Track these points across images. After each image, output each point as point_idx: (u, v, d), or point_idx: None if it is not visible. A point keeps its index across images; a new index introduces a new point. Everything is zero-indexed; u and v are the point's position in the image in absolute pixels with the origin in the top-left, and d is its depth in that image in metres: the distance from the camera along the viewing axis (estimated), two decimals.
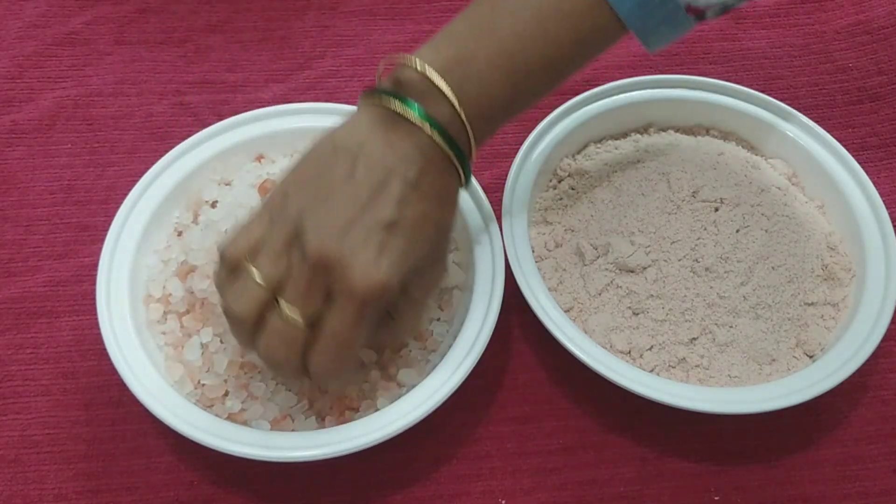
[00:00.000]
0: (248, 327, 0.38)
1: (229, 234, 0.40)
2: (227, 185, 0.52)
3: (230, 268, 0.39)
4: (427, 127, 0.39)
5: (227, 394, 0.44)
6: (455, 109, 0.39)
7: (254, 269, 0.37)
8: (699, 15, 0.42)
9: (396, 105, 0.39)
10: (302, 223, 0.37)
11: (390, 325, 0.42)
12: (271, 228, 0.38)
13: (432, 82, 0.39)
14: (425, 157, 0.39)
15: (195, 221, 0.50)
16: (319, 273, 0.37)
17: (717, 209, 0.49)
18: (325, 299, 0.37)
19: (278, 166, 0.52)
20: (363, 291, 0.37)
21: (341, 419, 0.44)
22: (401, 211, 0.38)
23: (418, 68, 0.39)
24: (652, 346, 0.47)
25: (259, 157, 0.53)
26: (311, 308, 0.37)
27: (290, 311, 0.37)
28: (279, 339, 0.38)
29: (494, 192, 0.51)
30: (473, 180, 0.50)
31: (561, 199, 0.53)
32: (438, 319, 0.48)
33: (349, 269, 0.36)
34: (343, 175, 0.38)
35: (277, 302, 0.37)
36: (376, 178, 0.38)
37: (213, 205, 0.51)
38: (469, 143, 0.40)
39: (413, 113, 0.38)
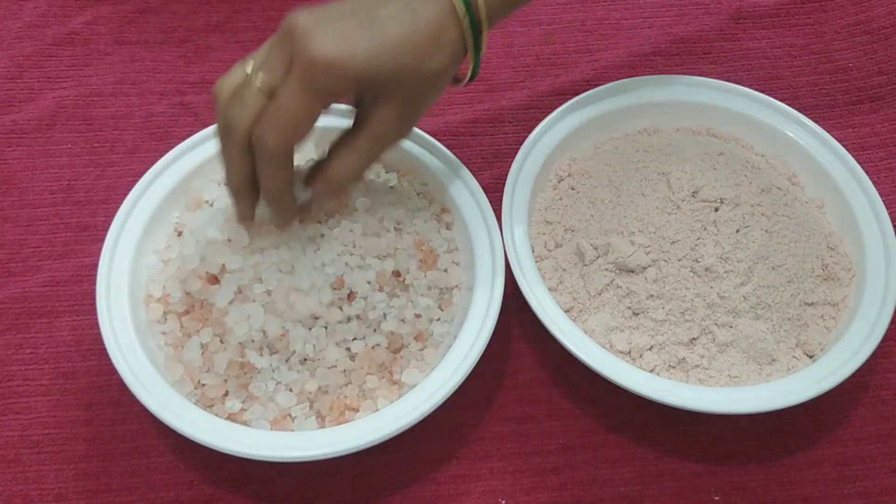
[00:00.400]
0: (221, 103, 0.40)
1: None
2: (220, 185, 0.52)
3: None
4: None
5: (227, 394, 0.44)
6: None
7: (248, 60, 0.40)
8: None
9: None
10: (296, 22, 0.39)
11: (342, 145, 0.42)
12: (277, 34, 0.40)
13: None
14: (442, 8, 0.40)
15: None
16: (285, 40, 0.38)
17: (717, 209, 0.49)
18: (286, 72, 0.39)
19: None
20: (310, 59, 0.37)
21: (341, 419, 0.44)
22: (386, 18, 0.39)
23: None
24: (652, 346, 0.47)
25: None
26: (271, 72, 0.39)
27: (252, 73, 0.39)
28: (236, 98, 0.39)
29: (494, 192, 0.51)
30: (473, 180, 0.51)
31: (561, 199, 0.53)
32: (438, 319, 0.48)
33: (307, 38, 0.37)
34: None
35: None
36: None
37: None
38: (479, 13, 0.40)
39: None
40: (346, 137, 0.42)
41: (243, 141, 0.40)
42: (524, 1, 0.44)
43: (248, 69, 0.40)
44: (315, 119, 0.39)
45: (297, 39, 0.38)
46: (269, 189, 0.42)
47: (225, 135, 0.40)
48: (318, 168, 0.43)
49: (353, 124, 0.42)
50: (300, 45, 0.38)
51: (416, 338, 0.47)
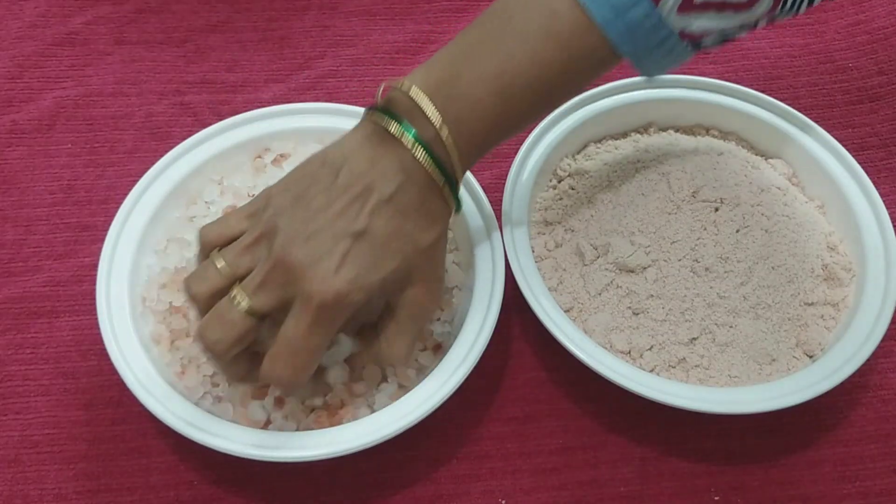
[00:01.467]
0: (201, 309, 0.39)
1: (211, 222, 0.42)
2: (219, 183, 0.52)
3: (204, 253, 0.41)
4: (409, 143, 0.39)
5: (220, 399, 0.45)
6: (434, 130, 0.39)
7: (219, 257, 0.39)
8: (695, 42, 0.40)
9: (384, 121, 0.39)
10: (275, 224, 0.38)
11: (374, 345, 0.42)
12: (247, 224, 0.40)
13: (416, 101, 0.39)
14: (407, 174, 0.39)
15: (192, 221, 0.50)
16: (279, 273, 0.38)
17: (717, 209, 0.49)
18: (283, 305, 0.38)
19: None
20: (319, 299, 0.37)
21: (335, 419, 0.44)
22: (371, 222, 0.38)
23: (404, 88, 0.39)
24: (652, 346, 0.47)
25: (257, 156, 0.53)
26: (261, 303, 0.38)
27: (239, 296, 0.38)
28: (218, 319, 0.38)
29: (494, 192, 0.51)
30: (473, 180, 0.51)
31: (561, 199, 0.53)
32: (439, 319, 0.48)
33: (308, 275, 0.37)
34: (324, 185, 0.39)
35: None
36: (354, 191, 0.39)
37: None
38: (452, 164, 0.40)
39: (398, 128, 0.39)
40: (387, 321, 0.42)
41: (230, 355, 0.39)
42: (493, 146, 0.42)
43: (219, 266, 0.39)
44: (327, 346, 0.39)
45: (294, 276, 0.37)
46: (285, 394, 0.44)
47: (211, 352, 0.39)
48: (367, 353, 0.44)
49: (387, 307, 0.42)
50: (301, 288, 0.37)
51: (396, 371, 0.46)
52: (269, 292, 0.38)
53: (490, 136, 0.41)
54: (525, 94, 0.40)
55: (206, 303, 0.39)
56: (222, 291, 0.39)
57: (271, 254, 0.38)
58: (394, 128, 0.39)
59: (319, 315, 0.37)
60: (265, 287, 0.38)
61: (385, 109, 0.40)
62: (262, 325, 0.39)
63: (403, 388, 0.45)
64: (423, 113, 0.39)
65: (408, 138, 0.39)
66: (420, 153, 0.39)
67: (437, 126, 0.39)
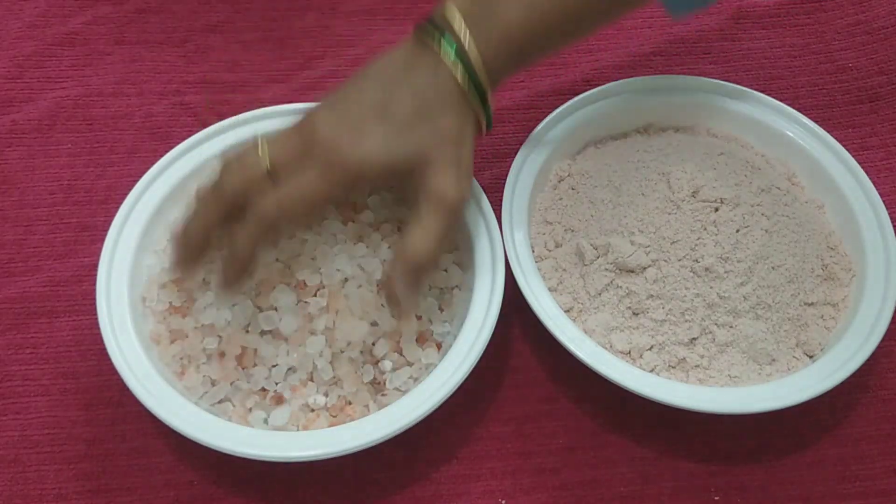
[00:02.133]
0: (222, 164, 0.42)
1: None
2: None
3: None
4: (441, 50, 0.42)
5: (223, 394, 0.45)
6: (464, 42, 0.42)
7: (262, 143, 0.42)
8: None
9: (421, 32, 0.43)
10: (316, 115, 0.42)
11: (410, 225, 0.43)
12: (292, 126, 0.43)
13: (448, 17, 0.42)
14: (436, 74, 0.42)
15: None
16: (307, 139, 0.41)
17: (717, 209, 0.49)
18: (299, 164, 0.41)
19: None
20: (343, 162, 0.40)
21: (339, 417, 0.44)
22: (394, 100, 0.42)
23: (444, 5, 0.43)
24: (652, 346, 0.47)
25: None
26: (284, 159, 0.41)
27: (264, 150, 0.41)
28: (238, 161, 0.41)
29: (494, 192, 0.51)
30: (473, 180, 0.50)
31: (561, 199, 0.53)
32: (441, 319, 0.48)
33: (334, 139, 0.41)
34: (361, 84, 0.43)
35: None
36: (383, 79, 0.43)
37: None
38: (479, 76, 0.42)
39: (431, 38, 0.42)
40: (412, 215, 0.43)
41: (230, 199, 0.41)
42: (530, 61, 0.45)
43: (261, 154, 0.41)
44: (322, 205, 0.42)
45: (321, 148, 0.41)
46: (238, 249, 0.42)
47: (214, 189, 0.42)
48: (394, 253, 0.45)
49: (413, 208, 0.43)
50: (326, 153, 0.41)
51: (416, 339, 0.47)
52: (289, 147, 0.41)
53: (520, 53, 0.44)
54: (555, 19, 0.44)
55: (229, 161, 0.42)
56: (256, 166, 0.41)
57: (306, 127, 0.42)
58: (428, 37, 0.42)
59: (336, 170, 0.41)
60: (286, 143, 0.41)
61: (422, 24, 0.43)
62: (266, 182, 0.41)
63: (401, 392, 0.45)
64: (453, 27, 0.42)
65: (438, 46, 0.42)
66: (449, 59, 0.42)
67: (464, 40, 0.42)
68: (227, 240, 0.42)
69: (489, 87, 0.43)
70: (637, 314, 0.48)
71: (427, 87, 0.42)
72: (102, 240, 0.48)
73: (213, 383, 0.45)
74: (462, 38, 0.42)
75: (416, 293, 0.44)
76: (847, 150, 0.54)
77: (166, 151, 0.51)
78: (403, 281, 0.42)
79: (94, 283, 0.46)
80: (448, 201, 0.42)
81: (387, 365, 0.45)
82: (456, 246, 0.50)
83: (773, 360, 0.47)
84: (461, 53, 0.42)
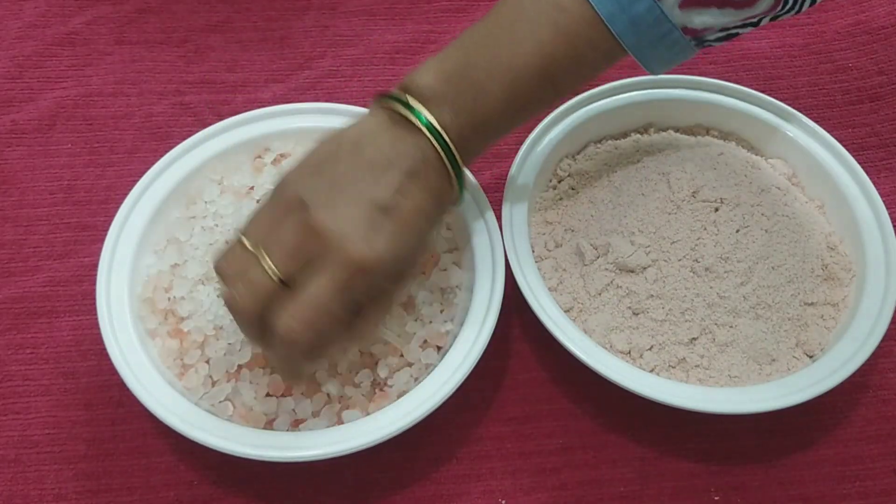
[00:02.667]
0: (227, 283, 0.39)
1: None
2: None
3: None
4: (426, 130, 0.40)
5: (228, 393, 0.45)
6: (449, 117, 0.40)
7: (243, 237, 0.39)
8: (698, 38, 0.42)
9: (400, 108, 0.40)
10: (299, 196, 0.39)
11: (356, 319, 0.41)
12: (271, 203, 0.40)
13: (427, 92, 0.40)
14: (424, 156, 0.40)
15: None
16: (311, 239, 0.38)
17: (717, 209, 0.49)
18: (308, 268, 0.38)
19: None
20: (357, 262, 0.37)
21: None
22: (397, 199, 0.39)
23: (418, 78, 0.41)
24: (652, 346, 0.47)
25: (257, 156, 0.53)
26: (292, 267, 0.38)
27: (269, 263, 0.38)
28: (249, 287, 0.38)
29: (494, 192, 0.51)
30: (473, 180, 0.51)
31: (561, 199, 0.53)
32: (441, 319, 0.48)
33: (346, 240, 0.37)
34: (346, 159, 0.40)
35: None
36: (378, 166, 0.39)
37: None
38: (460, 153, 0.41)
39: (414, 116, 0.40)
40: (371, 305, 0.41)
41: (253, 318, 0.39)
42: (500, 135, 0.44)
43: (249, 244, 0.39)
44: (348, 310, 0.39)
45: (330, 242, 0.37)
46: (285, 368, 0.43)
47: (234, 313, 0.40)
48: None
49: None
50: (338, 251, 0.37)
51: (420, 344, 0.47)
52: (299, 257, 0.38)
53: (498, 125, 0.43)
54: (534, 87, 0.42)
55: (233, 275, 0.39)
56: (249, 264, 0.38)
57: (307, 221, 0.38)
58: (412, 118, 0.40)
59: (352, 278, 0.38)
60: (296, 252, 0.38)
61: (398, 97, 0.41)
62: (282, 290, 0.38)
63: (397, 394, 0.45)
64: (435, 102, 0.40)
65: (422, 124, 0.40)
66: (434, 139, 0.40)
67: (447, 117, 0.40)
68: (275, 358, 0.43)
69: (467, 165, 0.42)
70: (637, 314, 0.48)
71: (421, 172, 0.40)
72: (102, 240, 0.48)
73: (214, 383, 0.45)
74: (446, 117, 0.40)
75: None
76: (847, 150, 0.54)
77: (166, 151, 0.51)
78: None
79: (94, 283, 0.46)
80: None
81: (385, 369, 0.45)
82: (456, 246, 0.50)
83: (773, 360, 0.47)
84: (443, 133, 0.40)
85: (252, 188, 0.51)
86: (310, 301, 0.37)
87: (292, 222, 0.38)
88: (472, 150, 0.42)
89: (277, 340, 0.38)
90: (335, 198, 0.38)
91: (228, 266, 0.39)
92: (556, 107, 0.54)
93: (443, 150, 0.40)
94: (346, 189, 0.39)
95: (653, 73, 0.44)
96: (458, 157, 0.41)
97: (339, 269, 0.37)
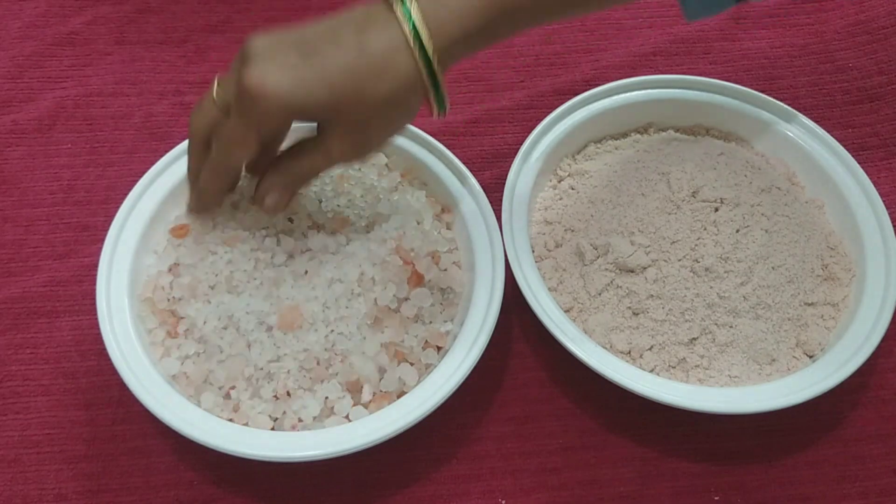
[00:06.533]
0: (193, 133, 0.44)
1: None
2: None
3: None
4: (398, 7, 0.39)
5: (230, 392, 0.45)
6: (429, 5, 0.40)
7: (215, 83, 0.43)
8: None
9: None
10: (249, 40, 0.41)
11: (299, 148, 0.43)
12: None
13: None
14: (386, 29, 0.40)
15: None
16: (236, 60, 0.41)
17: (717, 209, 0.49)
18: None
19: None
20: (246, 87, 0.39)
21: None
22: (329, 47, 0.39)
23: None
24: (652, 346, 0.47)
25: None
26: (224, 89, 0.42)
27: (214, 87, 0.43)
28: (197, 108, 0.44)
29: (494, 192, 0.51)
30: (473, 180, 0.51)
31: (561, 199, 0.53)
32: (441, 319, 0.48)
33: (247, 67, 0.39)
34: (308, 24, 0.41)
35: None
36: (329, 24, 0.40)
37: None
38: (433, 49, 0.40)
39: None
40: (305, 143, 0.43)
41: (200, 142, 0.44)
42: (486, 43, 0.42)
43: (215, 83, 0.43)
44: (254, 143, 0.41)
45: (240, 65, 0.40)
46: (203, 188, 0.45)
47: (190, 134, 0.44)
48: (271, 163, 0.45)
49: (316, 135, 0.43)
50: (239, 72, 0.39)
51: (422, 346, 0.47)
52: (230, 78, 0.41)
53: (477, 21, 0.41)
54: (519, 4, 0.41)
55: (199, 129, 0.43)
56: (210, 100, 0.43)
57: (239, 65, 0.40)
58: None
59: (245, 105, 0.39)
60: (229, 74, 0.41)
61: None
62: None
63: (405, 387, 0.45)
64: None
65: (398, 4, 0.39)
66: (403, 13, 0.39)
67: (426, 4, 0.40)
68: (201, 176, 0.45)
69: (439, 61, 0.40)
70: (637, 314, 0.48)
71: (372, 43, 0.39)
72: (102, 240, 0.48)
73: (214, 384, 0.45)
74: (414, 9, 0.40)
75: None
76: (847, 150, 0.54)
77: (166, 151, 0.51)
78: (269, 188, 0.44)
79: (94, 283, 0.46)
80: (336, 160, 0.43)
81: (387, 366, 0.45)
82: (456, 246, 0.50)
83: (773, 360, 0.47)
84: (411, 5, 0.39)
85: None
86: (225, 127, 0.41)
87: (238, 58, 0.41)
88: (449, 39, 0.40)
89: (210, 158, 0.43)
90: (272, 34, 0.40)
91: (197, 104, 0.44)
92: (555, 106, 0.54)
93: (414, 34, 0.39)
94: (295, 30, 0.41)
95: (688, 16, 0.43)
96: (422, 33, 0.39)
97: (237, 93, 0.40)
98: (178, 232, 0.48)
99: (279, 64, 0.39)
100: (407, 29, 0.39)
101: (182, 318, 0.46)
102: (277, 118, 0.40)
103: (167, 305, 0.47)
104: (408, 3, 0.39)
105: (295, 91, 0.39)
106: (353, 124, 0.41)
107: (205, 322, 0.45)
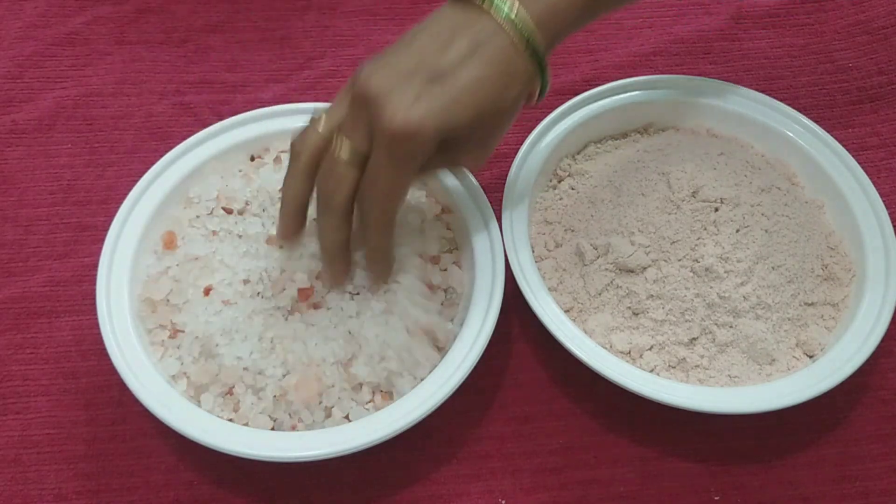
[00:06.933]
0: (302, 165, 0.41)
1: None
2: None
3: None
4: (493, 9, 0.39)
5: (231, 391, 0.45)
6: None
7: (321, 119, 0.41)
8: None
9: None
10: (362, 68, 0.39)
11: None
12: (344, 90, 0.41)
13: None
14: (495, 32, 0.39)
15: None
16: (360, 105, 0.38)
17: (717, 209, 0.49)
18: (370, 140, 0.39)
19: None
20: (392, 131, 0.37)
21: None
22: (455, 67, 0.39)
23: None
24: (652, 346, 0.47)
25: (257, 156, 0.53)
26: (357, 141, 0.39)
27: (341, 145, 0.39)
28: (327, 174, 0.40)
29: (494, 192, 0.51)
30: (473, 180, 0.51)
31: (561, 199, 0.53)
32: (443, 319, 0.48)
33: (383, 109, 0.37)
34: (410, 36, 0.40)
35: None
36: (442, 35, 0.39)
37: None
38: (537, 37, 0.40)
39: (494, 4, 0.39)
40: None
41: (342, 212, 0.41)
42: (583, 21, 0.43)
43: (321, 128, 0.41)
44: (409, 184, 0.40)
45: (372, 109, 0.38)
46: (370, 251, 0.43)
47: (324, 207, 0.41)
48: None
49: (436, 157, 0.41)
50: (377, 117, 0.38)
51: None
52: (361, 129, 0.39)
53: (575, 12, 0.42)
54: None
55: (308, 158, 0.41)
56: (324, 145, 0.40)
57: (353, 87, 0.39)
58: (491, 7, 0.39)
59: (394, 148, 0.38)
60: (356, 125, 0.39)
61: None
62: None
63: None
64: None
65: (495, 9, 0.39)
66: (501, 16, 0.39)
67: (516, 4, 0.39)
68: (362, 244, 0.44)
69: (546, 49, 0.41)
70: (637, 314, 0.48)
71: (489, 50, 0.39)
72: (102, 240, 0.48)
73: (215, 384, 0.45)
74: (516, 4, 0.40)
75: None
76: (847, 150, 0.54)
77: (166, 151, 0.51)
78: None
79: (94, 283, 0.46)
80: (468, 169, 0.44)
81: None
82: (456, 246, 0.50)
83: (773, 360, 0.47)
84: (512, 10, 0.39)
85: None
86: (373, 179, 0.39)
87: (361, 106, 0.39)
88: (548, 35, 0.41)
89: (361, 219, 0.41)
90: (387, 60, 0.39)
91: (305, 148, 0.41)
92: (555, 106, 0.54)
93: (516, 28, 0.39)
94: (400, 52, 0.39)
95: None
96: (530, 35, 0.39)
97: (381, 139, 0.38)
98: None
99: (413, 96, 0.38)
100: (514, 33, 0.39)
101: (183, 318, 0.46)
102: (430, 148, 0.39)
103: (167, 306, 0.47)
104: (508, 6, 0.39)
105: (445, 118, 0.38)
106: (486, 135, 0.41)
107: (205, 322, 0.45)
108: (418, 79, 0.38)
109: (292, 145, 0.42)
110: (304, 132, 0.41)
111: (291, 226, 0.43)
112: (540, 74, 0.41)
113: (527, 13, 0.39)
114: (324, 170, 0.40)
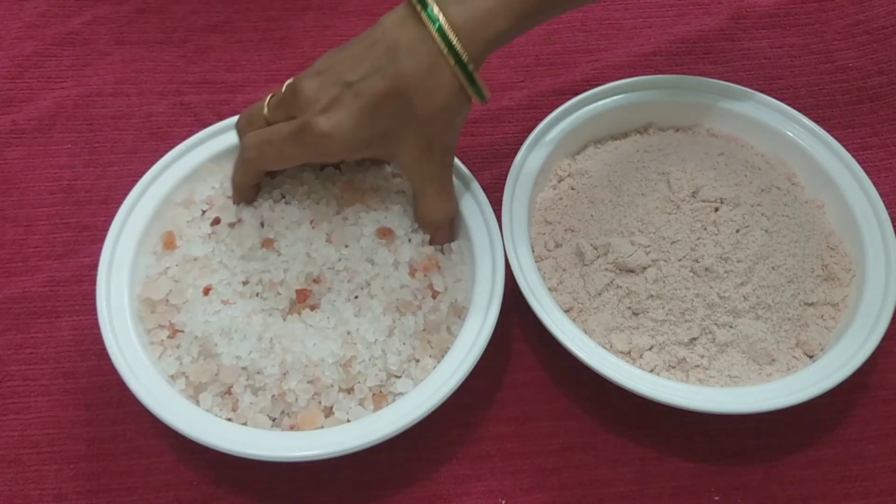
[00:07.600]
0: (240, 130, 0.48)
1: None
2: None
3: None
4: (425, 17, 0.41)
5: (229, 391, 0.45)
6: (455, 9, 0.41)
7: (265, 102, 0.47)
8: None
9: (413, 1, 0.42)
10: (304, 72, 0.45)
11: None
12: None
13: None
14: (421, 43, 0.42)
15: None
16: (290, 96, 0.44)
17: (717, 209, 0.49)
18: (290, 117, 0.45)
19: None
20: (316, 134, 0.42)
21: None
22: (366, 77, 0.42)
23: None
24: (652, 346, 0.47)
25: None
26: (273, 115, 0.46)
27: (264, 106, 0.46)
28: (247, 113, 0.48)
29: (494, 192, 0.51)
30: (473, 180, 0.51)
31: (561, 199, 0.53)
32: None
33: (303, 109, 0.43)
34: (353, 40, 0.44)
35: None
36: (365, 43, 0.43)
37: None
38: (464, 46, 0.42)
39: (419, 7, 0.42)
40: (414, 194, 0.48)
41: (245, 131, 0.47)
42: (517, 35, 0.44)
43: (265, 111, 0.46)
44: (290, 164, 0.47)
45: (294, 106, 0.44)
46: (234, 179, 0.49)
47: (237, 133, 0.49)
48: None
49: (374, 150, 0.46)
50: (303, 115, 0.43)
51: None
52: (281, 110, 0.45)
53: (507, 22, 0.43)
54: None
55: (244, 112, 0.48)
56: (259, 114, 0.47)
57: (293, 82, 0.44)
58: (418, 7, 0.42)
59: (305, 135, 0.43)
60: (280, 104, 0.45)
61: None
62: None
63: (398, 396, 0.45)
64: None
65: (425, 15, 0.42)
66: (434, 29, 0.41)
67: (453, 9, 0.42)
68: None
69: (473, 58, 0.42)
70: (637, 314, 0.48)
71: (407, 54, 0.42)
72: (102, 240, 0.48)
73: (214, 383, 0.45)
74: (441, 11, 0.41)
75: (448, 237, 0.50)
76: (847, 150, 0.54)
77: (166, 151, 0.51)
78: (435, 236, 0.49)
79: (94, 283, 0.46)
80: (421, 172, 0.46)
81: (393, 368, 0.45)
82: (456, 246, 0.50)
83: (773, 360, 0.47)
84: (438, 18, 0.41)
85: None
86: (270, 130, 0.45)
87: (289, 99, 0.45)
88: (481, 40, 0.42)
89: (239, 153, 0.47)
90: (320, 65, 0.44)
91: (244, 113, 0.49)
92: (556, 106, 0.54)
93: (443, 39, 0.41)
94: (331, 59, 0.44)
95: None
96: (453, 44, 0.41)
97: (301, 124, 0.43)
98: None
99: (328, 102, 0.42)
100: (439, 42, 0.41)
101: (182, 318, 0.46)
102: (338, 155, 0.44)
103: (167, 306, 0.47)
104: (434, 12, 0.41)
105: (355, 131, 0.43)
106: (418, 135, 0.44)
107: (204, 322, 0.45)
108: (341, 89, 0.43)
109: (237, 122, 0.49)
110: (249, 110, 0.48)
111: (245, 198, 0.50)
112: (470, 83, 0.43)
113: (449, 23, 0.41)
114: (246, 117, 0.48)
